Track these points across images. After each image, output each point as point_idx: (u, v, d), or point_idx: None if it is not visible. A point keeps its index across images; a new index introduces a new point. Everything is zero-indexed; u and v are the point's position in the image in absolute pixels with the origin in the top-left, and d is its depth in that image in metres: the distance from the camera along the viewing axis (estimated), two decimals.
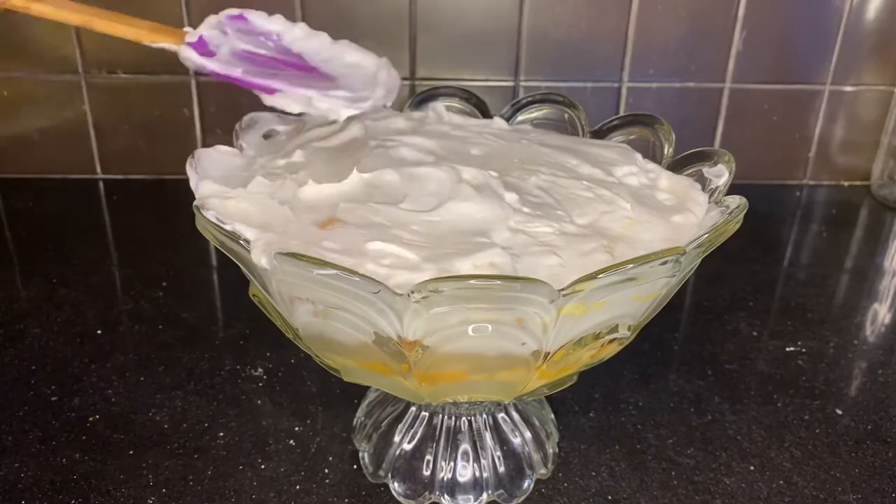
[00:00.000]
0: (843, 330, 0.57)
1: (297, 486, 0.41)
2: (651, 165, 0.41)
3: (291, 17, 0.75)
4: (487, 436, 0.41)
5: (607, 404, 0.48)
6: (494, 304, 0.28)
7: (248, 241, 0.30)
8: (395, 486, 0.40)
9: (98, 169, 0.78)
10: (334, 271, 0.27)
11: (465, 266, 0.30)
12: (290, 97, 0.36)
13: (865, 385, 0.51)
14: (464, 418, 0.41)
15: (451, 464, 0.40)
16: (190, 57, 0.36)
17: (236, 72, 0.36)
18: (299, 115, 0.39)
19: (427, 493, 0.40)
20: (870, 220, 0.77)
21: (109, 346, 0.52)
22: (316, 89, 0.36)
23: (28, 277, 0.61)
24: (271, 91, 0.36)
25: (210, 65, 0.36)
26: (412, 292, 0.26)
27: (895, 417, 0.48)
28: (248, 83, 0.36)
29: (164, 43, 0.37)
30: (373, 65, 0.38)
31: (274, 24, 0.38)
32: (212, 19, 0.37)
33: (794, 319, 0.58)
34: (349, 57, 0.38)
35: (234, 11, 0.37)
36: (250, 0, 0.40)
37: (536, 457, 0.42)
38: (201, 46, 0.36)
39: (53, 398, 0.47)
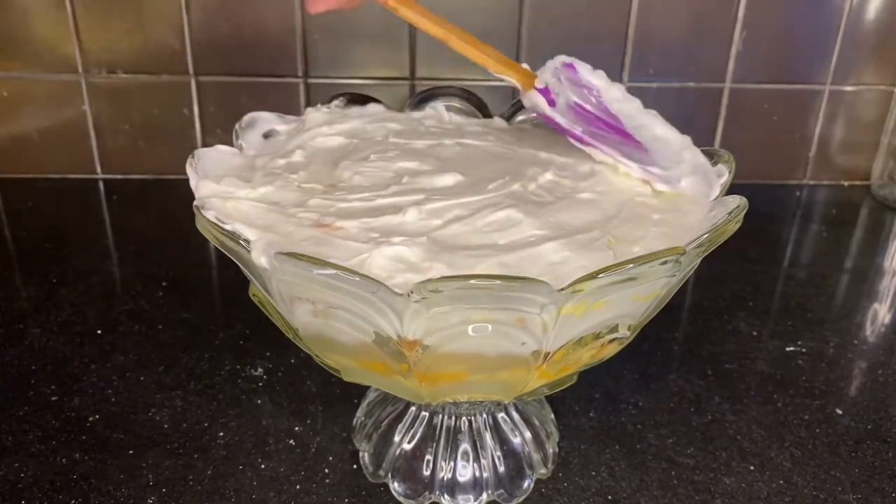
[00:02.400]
0: (843, 330, 0.57)
1: (297, 486, 0.41)
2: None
3: (291, 17, 0.74)
4: (487, 436, 0.41)
5: (607, 404, 0.48)
6: (494, 304, 0.28)
7: (248, 241, 0.30)
8: (395, 486, 0.40)
9: (98, 169, 0.78)
10: (334, 271, 0.27)
11: (466, 266, 0.30)
12: (609, 159, 0.36)
13: (865, 385, 0.51)
14: (464, 418, 0.41)
15: (451, 464, 0.40)
16: (538, 104, 0.37)
17: (577, 130, 0.36)
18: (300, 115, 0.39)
19: (427, 492, 0.40)
20: (870, 220, 0.77)
21: (109, 346, 0.52)
22: (636, 161, 0.35)
23: (28, 277, 0.61)
24: (593, 147, 0.36)
25: (556, 117, 0.36)
26: (412, 292, 0.26)
27: (895, 417, 0.48)
28: (586, 142, 0.36)
29: (509, 77, 0.37)
30: (677, 142, 0.37)
31: (597, 79, 0.38)
32: (549, 65, 0.38)
33: (794, 319, 0.58)
34: (658, 129, 0.37)
35: (566, 59, 0.38)
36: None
37: (536, 457, 0.42)
38: (546, 94, 0.37)
39: (53, 398, 0.47)
